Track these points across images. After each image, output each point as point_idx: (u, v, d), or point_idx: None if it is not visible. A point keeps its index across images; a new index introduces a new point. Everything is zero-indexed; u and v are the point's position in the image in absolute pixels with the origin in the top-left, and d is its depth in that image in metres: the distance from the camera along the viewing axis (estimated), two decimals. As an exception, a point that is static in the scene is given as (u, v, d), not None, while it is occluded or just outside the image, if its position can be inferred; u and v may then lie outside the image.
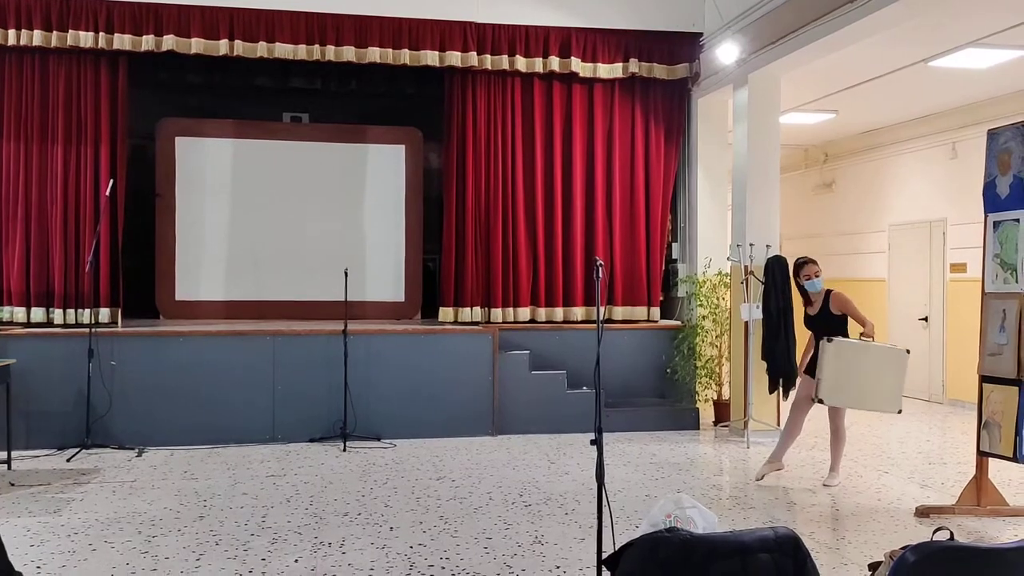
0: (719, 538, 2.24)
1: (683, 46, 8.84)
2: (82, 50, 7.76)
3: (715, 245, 9.01)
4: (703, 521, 2.60)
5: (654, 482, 6.25)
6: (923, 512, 5.40)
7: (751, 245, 8.00)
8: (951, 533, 2.55)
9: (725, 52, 8.07)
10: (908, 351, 6.07)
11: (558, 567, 4.38)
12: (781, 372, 7.76)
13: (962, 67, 7.91)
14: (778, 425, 7.95)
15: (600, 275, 3.49)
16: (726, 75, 8.38)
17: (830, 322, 6.21)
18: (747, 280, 7.91)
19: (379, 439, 7.49)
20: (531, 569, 4.34)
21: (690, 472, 6.64)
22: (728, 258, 8.42)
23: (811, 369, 6.16)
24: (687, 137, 9.18)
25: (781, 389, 7.77)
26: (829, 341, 5.79)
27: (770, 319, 7.75)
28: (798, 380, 6.58)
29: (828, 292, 6.33)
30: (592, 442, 3.24)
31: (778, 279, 7.80)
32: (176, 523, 5.03)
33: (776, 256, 7.89)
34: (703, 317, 8.67)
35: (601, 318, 3.47)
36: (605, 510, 3.27)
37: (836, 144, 12.04)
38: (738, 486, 6.35)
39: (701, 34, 8.80)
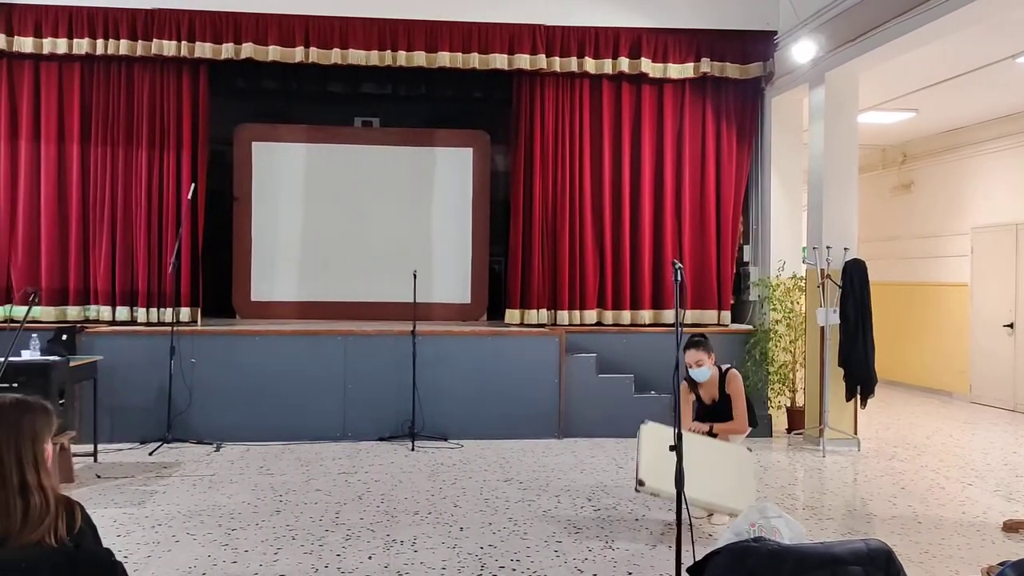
0: (808, 549, 2.18)
1: (757, 45, 8.69)
2: (165, 58, 8.01)
3: (789, 248, 8.83)
4: (789, 531, 2.53)
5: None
6: (1012, 526, 5.19)
7: (828, 248, 7.80)
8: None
9: (801, 50, 7.90)
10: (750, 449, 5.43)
11: (630, 573, 4.34)
12: (859, 379, 7.60)
13: (1052, 63, 7.60)
14: (855, 433, 7.76)
15: (680, 277, 3.45)
16: (801, 74, 8.21)
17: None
18: (824, 284, 7.73)
19: (446, 439, 7.54)
20: (602, 574, 4.31)
21: (763, 480, 6.50)
22: (804, 261, 8.23)
23: None
24: (760, 137, 9.01)
25: (859, 396, 7.62)
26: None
27: (848, 324, 7.58)
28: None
29: (726, 371, 5.63)
30: (671, 448, 3.20)
31: (856, 283, 7.64)
32: (254, 517, 5.15)
33: (854, 259, 7.71)
34: (776, 321, 8.50)
35: (680, 321, 3.42)
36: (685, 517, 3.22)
37: (915, 144, 11.68)
38: (814, 495, 6.21)
39: (775, 32, 8.64)
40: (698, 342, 5.50)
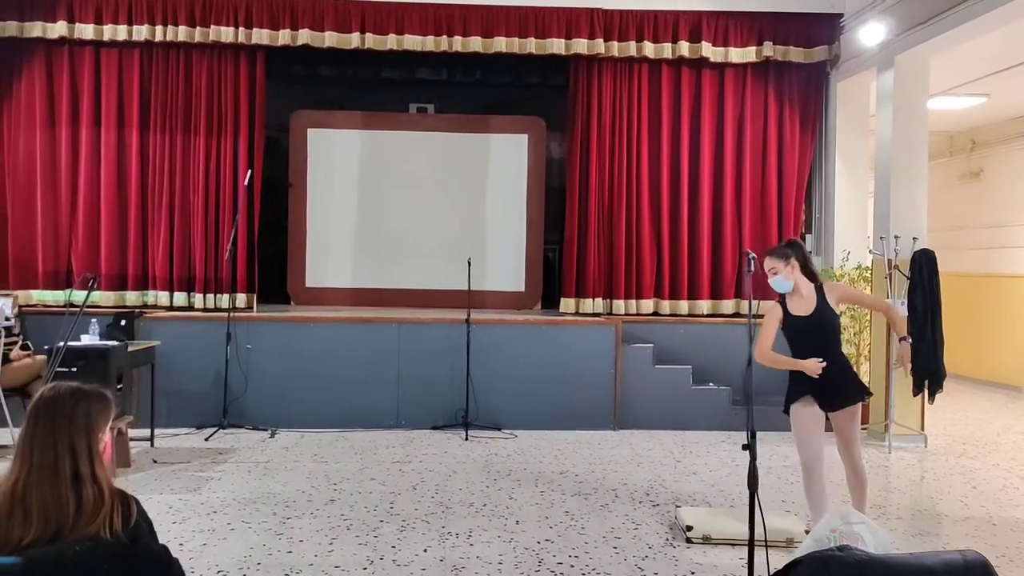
0: (899, 561, 2.02)
1: (822, 27, 8.40)
2: (223, 45, 8.03)
3: (854, 237, 8.55)
4: (873, 539, 2.36)
5: (790, 487, 5.95)
6: (1094, 531, 4.93)
7: (896, 237, 7.52)
8: None
9: (869, 33, 7.60)
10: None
11: (693, 573, 4.21)
12: (928, 373, 7.32)
13: None
14: (922, 430, 7.49)
15: (753, 268, 3.30)
16: (869, 57, 7.90)
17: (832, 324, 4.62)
18: (891, 275, 7.45)
19: (500, 429, 7.45)
20: (663, 573, 4.19)
21: (827, 477, 6.27)
22: (870, 251, 7.95)
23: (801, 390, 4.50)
24: (824, 123, 8.72)
25: (927, 391, 7.35)
26: None
27: (916, 316, 7.30)
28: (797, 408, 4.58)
29: (821, 285, 4.64)
30: (744, 447, 3.04)
31: (925, 274, 7.35)
32: (308, 505, 5.12)
33: (923, 249, 7.41)
34: (840, 313, 8.21)
35: (753, 313, 3.26)
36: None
37: (985, 130, 11.23)
38: (880, 493, 5.98)
39: (841, 15, 8.34)
40: (772, 248, 4.68)
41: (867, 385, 4.71)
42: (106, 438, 2.16)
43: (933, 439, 7.48)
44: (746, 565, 4.29)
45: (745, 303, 8.56)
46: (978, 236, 11.36)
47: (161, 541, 4.29)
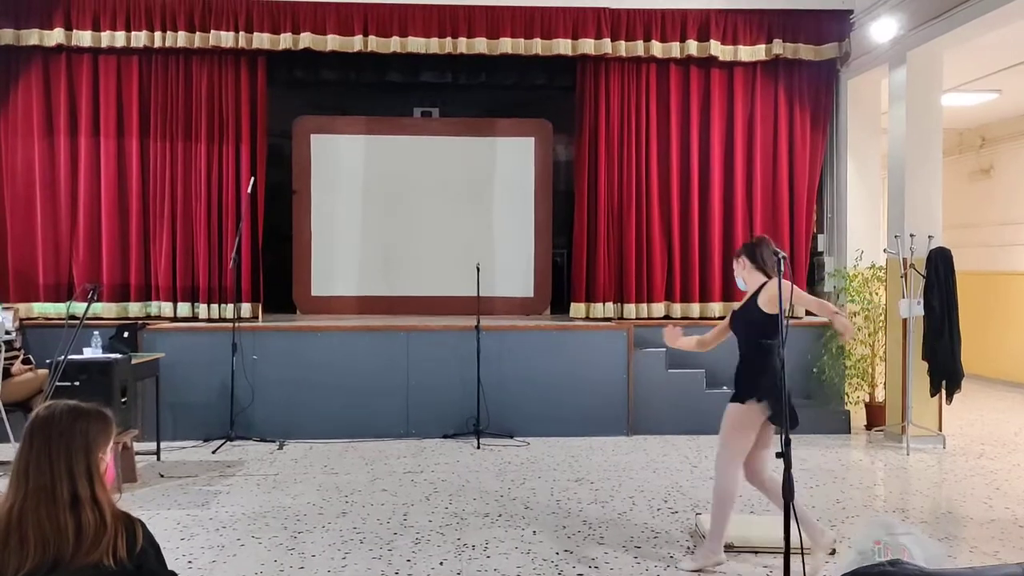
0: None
1: (832, 24, 8.28)
2: (223, 50, 7.91)
3: (866, 236, 8.42)
4: (922, 551, 2.22)
5: (809, 491, 5.80)
6: None
7: (911, 236, 7.38)
8: None
9: (880, 29, 7.48)
10: None
11: (717, 582, 4.07)
12: (945, 373, 7.19)
13: None
14: (939, 430, 7.36)
15: (784, 268, 3.17)
16: (880, 54, 7.77)
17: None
18: (907, 274, 7.32)
19: (512, 437, 7.32)
20: (688, 583, 4.05)
21: (846, 480, 6.16)
22: (885, 250, 7.81)
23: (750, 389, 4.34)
24: (835, 121, 8.60)
25: (944, 391, 7.22)
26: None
27: (933, 316, 7.18)
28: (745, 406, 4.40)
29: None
30: (778, 455, 2.91)
31: (941, 273, 7.23)
32: (320, 519, 4.99)
33: (939, 248, 7.30)
34: (854, 314, 8.09)
35: (785, 314, 3.13)
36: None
37: (995, 127, 11.10)
38: (902, 496, 5.85)
39: (851, 11, 8.22)
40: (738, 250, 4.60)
41: (761, 393, 4.26)
42: (107, 458, 2.02)
43: (951, 440, 7.34)
44: (770, 573, 4.19)
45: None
46: (988, 234, 11.22)
47: (170, 560, 4.16)
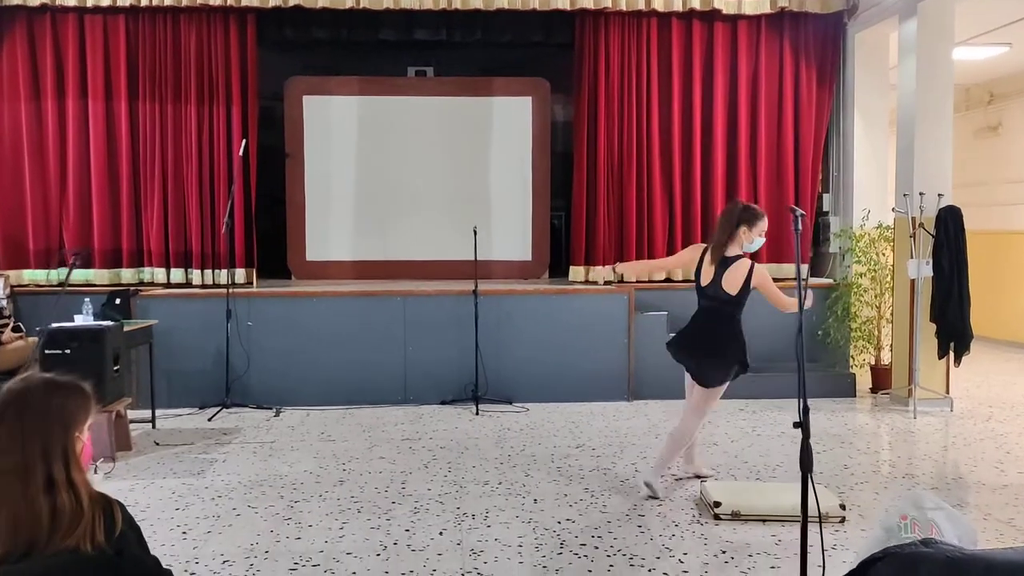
0: (1000, 557, 1.74)
1: (839, -25, 8.04)
2: (211, 8, 7.67)
3: (873, 195, 8.24)
4: (954, 528, 2.07)
5: (816, 456, 5.62)
6: None
7: (920, 195, 7.21)
8: None
9: (890, -21, 7.24)
10: None
11: (723, 552, 3.97)
12: (954, 335, 7.07)
13: None
14: (947, 393, 7.25)
15: (800, 227, 3.02)
16: (889, 5, 7.54)
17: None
18: (916, 234, 7.15)
19: (511, 403, 7.21)
20: (693, 553, 3.95)
21: (852, 444, 6.06)
22: (893, 209, 7.63)
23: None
24: (842, 77, 8.38)
25: (953, 353, 7.11)
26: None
27: (942, 276, 7.03)
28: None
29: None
30: (796, 424, 2.77)
31: (951, 232, 7.07)
32: (317, 487, 4.88)
33: (949, 206, 7.12)
34: (860, 275, 7.94)
35: (802, 276, 2.97)
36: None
37: (1004, 82, 10.85)
38: (911, 461, 5.74)
39: (859, -38, 7.98)
40: (758, 211, 4.85)
41: (739, 367, 4.78)
42: (84, 437, 1.88)
43: (958, 403, 7.25)
44: (779, 542, 4.08)
45: (761, 267, 8.28)
46: (995, 192, 11.03)
47: (164, 531, 4.08)
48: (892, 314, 7.76)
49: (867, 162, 8.29)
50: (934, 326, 7.10)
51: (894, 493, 4.85)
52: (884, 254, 7.93)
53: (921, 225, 7.13)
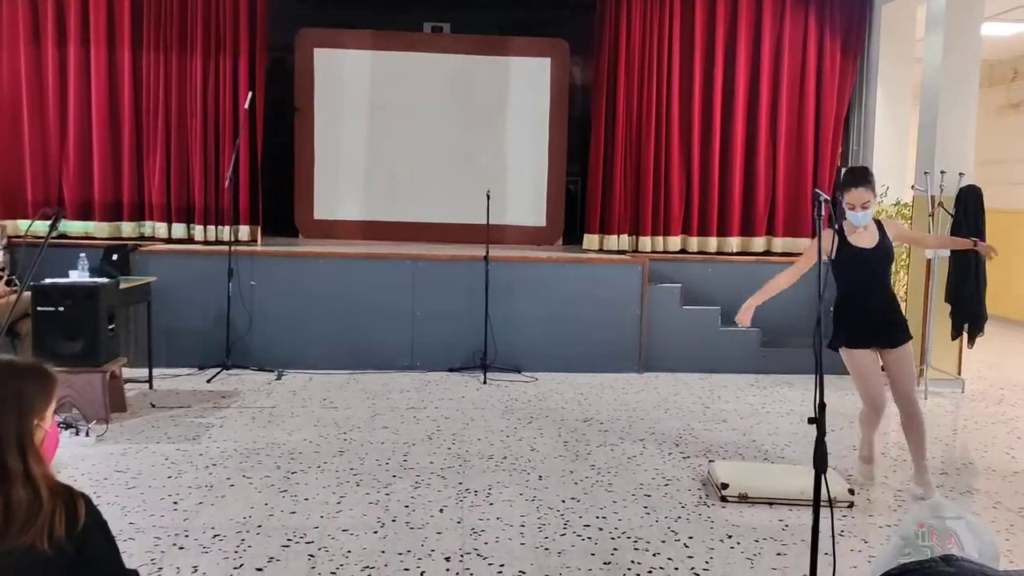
0: (1023, 577, 1.60)
1: (869, -56, 7.75)
2: (220, -45, 7.43)
3: (893, 171, 8.03)
4: (975, 541, 1.94)
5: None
6: None
7: (941, 173, 7.00)
8: None
9: (923, -52, 6.96)
10: None
11: (730, 536, 3.86)
12: (969, 316, 6.94)
13: None
14: (959, 374, 7.12)
15: (823, 212, 2.86)
16: (921, -25, 7.26)
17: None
18: (935, 212, 6.97)
19: (520, 372, 7.09)
20: (699, 537, 3.83)
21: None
22: (913, 187, 7.44)
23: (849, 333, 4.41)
24: (867, 49, 8.12)
25: (967, 335, 6.97)
26: None
27: (959, 257, 6.86)
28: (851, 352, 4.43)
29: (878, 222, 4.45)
30: (811, 420, 2.62)
31: (971, 212, 6.90)
32: (316, 458, 4.76)
33: (970, 186, 6.94)
34: (894, 251, 7.77)
35: (823, 262, 2.81)
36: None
37: (1029, 59, 10.58)
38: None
39: (891, -71, 7.67)
40: (857, 177, 4.29)
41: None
42: (46, 425, 1.75)
43: (969, 384, 7.13)
44: (786, 527, 3.98)
45: (778, 240, 8.14)
46: (1014, 171, 10.80)
47: (155, 500, 3.97)
48: (907, 293, 7.61)
49: (888, 137, 8.09)
50: (948, 306, 6.96)
51: (903, 477, 4.73)
52: (903, 232, 7.75)
53: (940, 204, 6.95)
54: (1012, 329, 10.19)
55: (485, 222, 7.06)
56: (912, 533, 2.08)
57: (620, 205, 7.90)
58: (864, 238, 4.38)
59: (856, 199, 4.28)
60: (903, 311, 4.57)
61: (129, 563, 1.90)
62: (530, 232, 8.42)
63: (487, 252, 6.92)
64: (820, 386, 2.63)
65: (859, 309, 4.38)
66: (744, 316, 4.60)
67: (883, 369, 4.49)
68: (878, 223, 4.43)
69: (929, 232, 6.97)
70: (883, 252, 4.38)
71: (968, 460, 5.24)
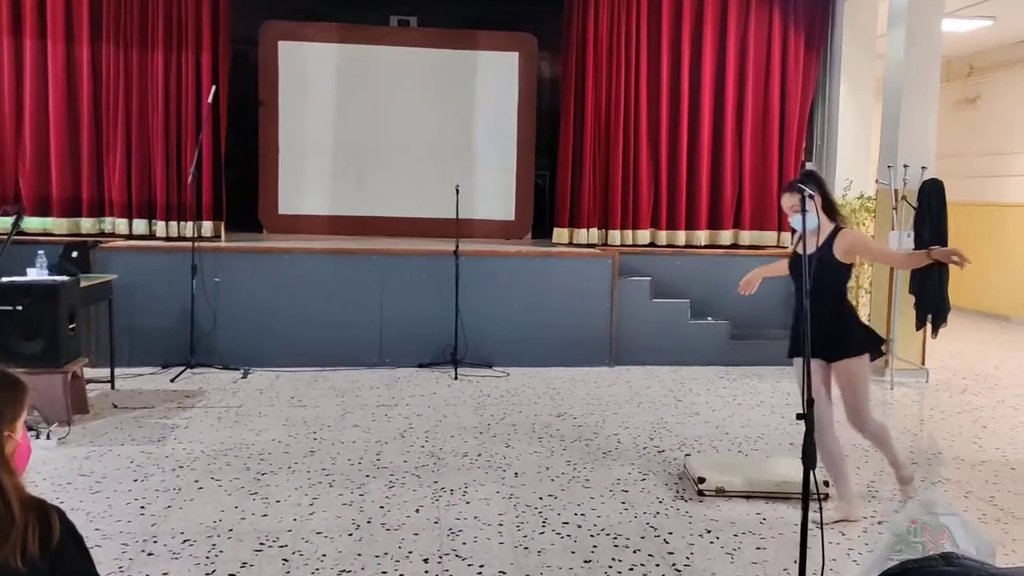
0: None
1: (833, -61, 7.81)
2: (180, -55, 7.25)
3: (856, 165, 8.15)
4: (970, 538, 1.93)
5: (795, 427, 5.61)
6: None
7: (905, 167, 7.09)
8: None
9: (886, -57, 7.02)
10: None
11: (709, 531, 3.85)
12: (932, 307, 7.05)
13: None
14: (923, 364, 7.23)
15: (808, 207, 2.85)
16: (883, -29, 7.34)
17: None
18: (898, 206, 7.05)
19: (491, 367, 7.04)
20: (679, 532, 3.82)
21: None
22: (877, 181, 7.52)
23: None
24: (830, 44, 8.20)
25: (930, 326, 7.08)
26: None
27: (922, 249, 6.96)
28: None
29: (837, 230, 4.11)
30: (799, 416, 2.60)
31: (933, 205, 7.00)
32: (286, 458, 4.67)
33: (932, 179, 7.04)
34: (851, 264, 7.83)
35: (808, 256, 2.80)
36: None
37: (984, 56, 10.77)
38: (892, 437, 5.67)
39: (854, -76, 7.74)
40: (795, 182, 4.04)
41: (871, 340, 4.14)
42: (17, 436, 1.66)
43: (933, 374, 7.25)
44: (763, 520, 3.98)
45: (745, 234, 8.19)
46: (972, 164, 11.01)
47: (121, 504, 3.85)
48: (871, 284, 7.72)
49: (851, 131, 8.19)
50: (912, 298, 7.06)
51: (874, 468, 4.77)
52: (865, 225, 7.85)
53: (904, 198, 7.04)
54: (970, 319, 10.41)
55: (454, 216, 7.00)
56: (904, 529, 2.08)
57: (589, 199, 7.90)
58: (810, 244, 3.90)
59: (785, 203, 4.12)
60: (859, 323, 4.31)
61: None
62: (499, 226, 8.37)
63: (457, 246, 6.86)
64: (808, 383, 2.63)
65: (798, 317, 4.17)
66: (750, 284, 4.46)
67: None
68: (835, 232, 4.08)
69: (893, 228, 7.07)
70: (818, 260, 3.96)
71: (936, 450, 5.30)
